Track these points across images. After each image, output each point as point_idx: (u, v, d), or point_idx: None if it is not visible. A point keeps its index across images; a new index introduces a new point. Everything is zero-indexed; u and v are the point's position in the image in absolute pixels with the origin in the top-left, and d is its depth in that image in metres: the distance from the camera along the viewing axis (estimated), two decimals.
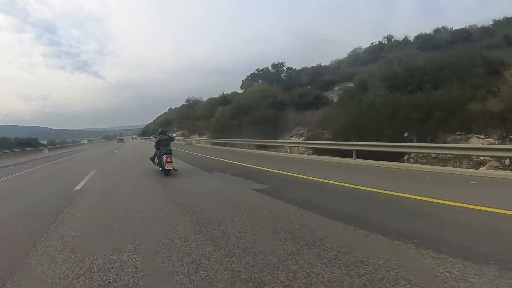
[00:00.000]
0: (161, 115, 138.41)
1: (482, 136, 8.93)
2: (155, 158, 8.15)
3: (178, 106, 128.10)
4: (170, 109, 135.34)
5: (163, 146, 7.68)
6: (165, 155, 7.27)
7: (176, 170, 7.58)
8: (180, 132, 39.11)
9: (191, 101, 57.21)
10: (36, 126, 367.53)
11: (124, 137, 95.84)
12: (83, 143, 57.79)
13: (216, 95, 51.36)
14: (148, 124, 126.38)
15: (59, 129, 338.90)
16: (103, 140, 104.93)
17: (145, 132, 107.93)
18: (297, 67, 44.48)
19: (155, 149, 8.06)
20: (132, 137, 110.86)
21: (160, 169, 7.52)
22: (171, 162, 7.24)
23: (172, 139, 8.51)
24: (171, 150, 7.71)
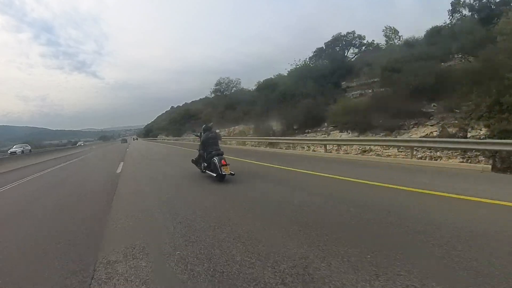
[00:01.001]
0: (162, 114, 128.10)
1: None
2: (199, 161, 6.79)
3: (181, 105, 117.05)
4: (172, 107, 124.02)
5: (211, 146, 6.26)
6: (217, 157, 5.87)
7: (233, 174, 5.72)
8: (238, 126, 21.11)
9: (223, 84, 37.94)
10: (34, 127, 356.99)
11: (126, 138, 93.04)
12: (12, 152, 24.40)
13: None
14: (149, 124, 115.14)
15: (56, 130, 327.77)
16: (86, 144, 53.67)
17: (149, 132, 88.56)
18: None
19: (200, 151, 6.73)
20: (133, 138, 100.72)
21: (214, 175, 5.79)
22: (227, 164, 5.71)
23: (219, 137, 6.82)
24: (221, 150, 6.26)
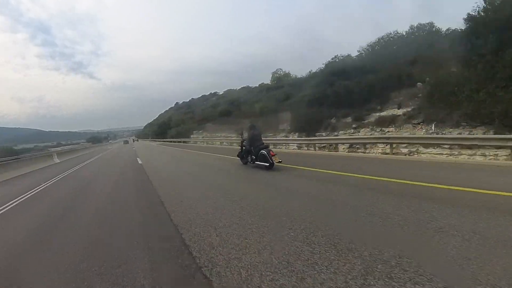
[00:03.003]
0: (165, 111, 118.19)
1: None
2: (245, 155, 8.04)
3: (187, 100, 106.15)
4: (176, 103, 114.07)
5: (257, 141, 7.51)
6: (265, 150, 7.11)
7: (281, 161, 7.19)
8: None
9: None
10: (26, 128, 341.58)
11: (121, 139, 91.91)
12: None
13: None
14: (158, 119, 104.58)
15: (49, 131, 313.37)
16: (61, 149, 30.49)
17: (165, 128, 56.87)
18: (293, 67, 19.94)
19: (245, 146, 8.00)
20: (133, 139, 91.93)
21: (267, 164, 6.91)
22: (275, 155, 7.06)
23: (261, 133, 8.28)
24: (265, 143, 7.66)
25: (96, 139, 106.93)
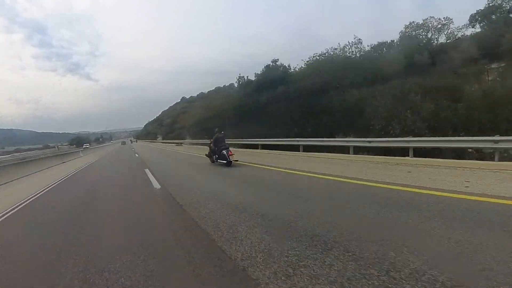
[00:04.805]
0: (170, 107, 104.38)
1: None
2: (211, 155, 9.15)
3: (195, 95, 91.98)
4: (183, 98, 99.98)
5: (220, 143, 8.58)
6: (225, 150, 8.21)
7: (237, 160, 8.25)
8: None
9: None
10: (19, 130, 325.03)
11: (118, 140, 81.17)
12: None
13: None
14: (155, 118, 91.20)
15: (42, 132, 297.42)
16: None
17: (205, 130, 22.47)
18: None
19: (212, 147, 9.02)
20: (131, 140, 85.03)
21: (225, 161, 8.03)
22: (232, 154, 8.14)
23: (225, 136, 9.04)
24: (227, 144, 8.83)
25: (81, 141, 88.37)
